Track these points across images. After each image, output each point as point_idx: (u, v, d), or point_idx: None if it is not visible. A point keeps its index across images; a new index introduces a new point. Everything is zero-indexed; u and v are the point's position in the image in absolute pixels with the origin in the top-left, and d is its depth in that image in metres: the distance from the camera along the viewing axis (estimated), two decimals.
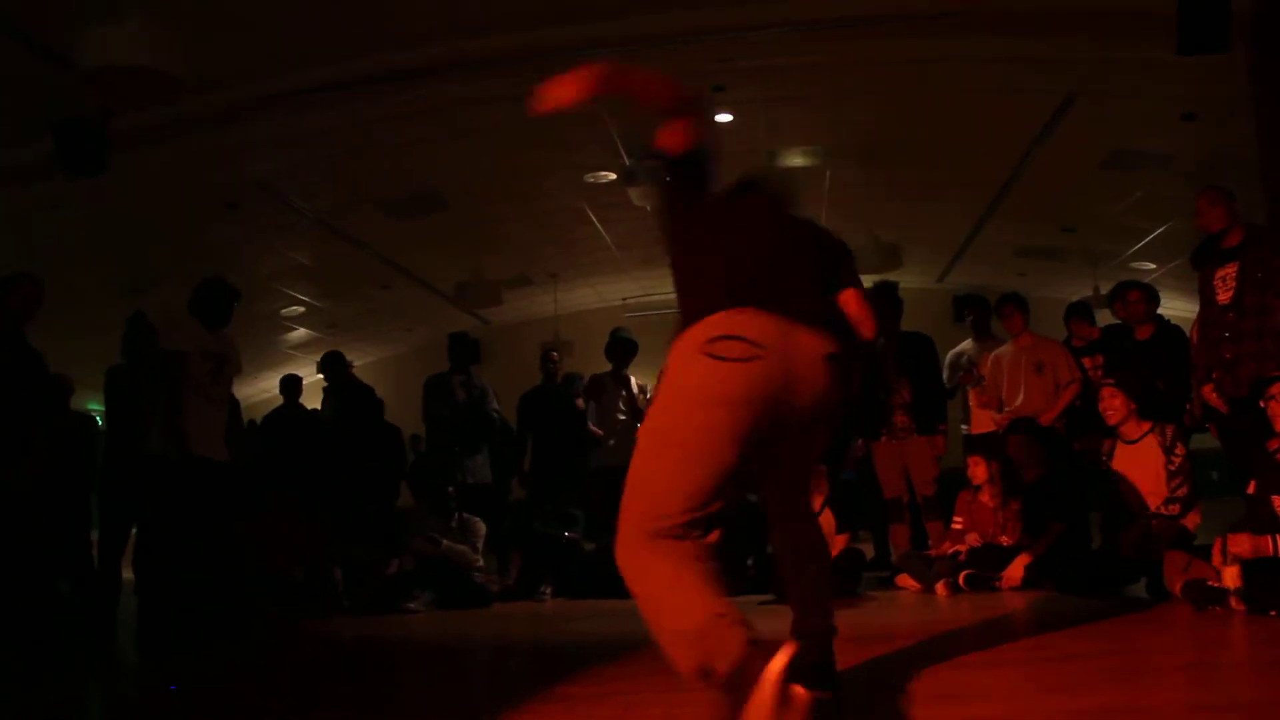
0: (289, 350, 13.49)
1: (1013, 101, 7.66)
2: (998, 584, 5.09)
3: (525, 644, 4.76)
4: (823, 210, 10.31)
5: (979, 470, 5.54)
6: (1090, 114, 7.76)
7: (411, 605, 5.80)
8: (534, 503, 7.15)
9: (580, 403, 7.36)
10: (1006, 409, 6.09)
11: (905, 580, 5.52)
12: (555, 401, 7.38)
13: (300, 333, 13.19)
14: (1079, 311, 6.66)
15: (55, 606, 5.42)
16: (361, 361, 14.78)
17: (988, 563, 5.18)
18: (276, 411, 7.73)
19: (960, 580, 5.14)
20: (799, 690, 2.21)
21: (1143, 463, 4.83)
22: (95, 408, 7.73)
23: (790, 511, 2.51)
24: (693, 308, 2.26)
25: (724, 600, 1.92)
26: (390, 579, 6.09)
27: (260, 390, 13.61)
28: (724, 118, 8.13)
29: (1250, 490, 3.92)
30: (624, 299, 13.57)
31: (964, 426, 7.00)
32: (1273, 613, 3.46)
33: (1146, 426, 4.88)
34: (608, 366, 7.18)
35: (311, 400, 8.18)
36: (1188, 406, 5.43)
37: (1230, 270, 4.58)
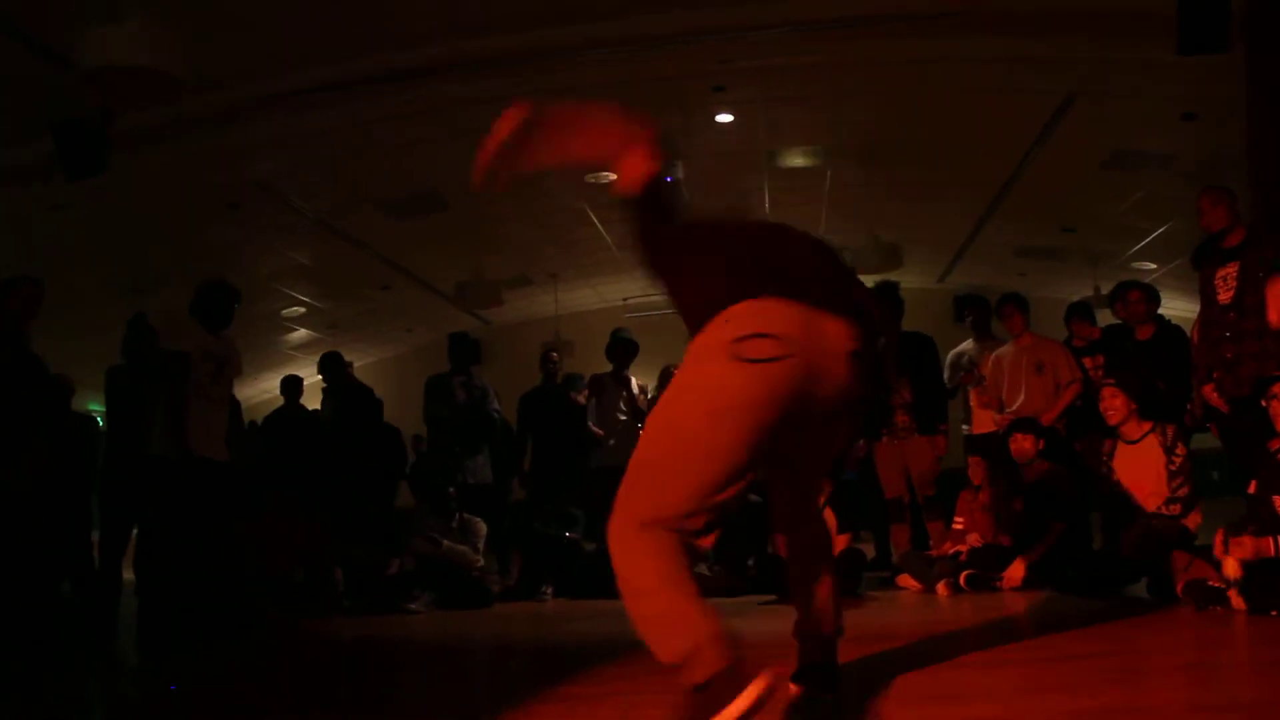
0: (289, 351, 13.49)
1: (1013, 101, 7.66)
2: (998, 584, 5.08)
3: (526, 644, 4.76)
4: (823, 210, 10.32)
5: (980, 470, 5.54)
6: (1090, 114, 7.77)
7: (412, 605, 5.80)
8: (534, 503, 7.15)
9: (583, 397, 7.37)
10: (1007, 410, 6.09)
11: (906, 580, 5.52)
12: (555, 402, 7.38)
13: (301, 333, 13.20)
14: (1079, 311, 6.65)
15: (56, 607, 5.43)
16: (362, 362, 14.78)
17: (988, 563, 5.18)
18: (277, 412, 7.74)
19: (961, 580, 5.13)
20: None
21: (1143, 463, 4.82)
22: (96, 408, 7.73)
23: (802, 511, 2.47)
24: (704, 303, 2.14)
25: (710, 611, 1.91)
26: (391, 579, 6.09)
27: (261, 391, 13.61)
28: (724, 118, 8.14)
29: (1251, 490, 3.92)
30: (624, 299, 13.57)
31: (965, 427, 7.00)
32: (1273, 612, 3.45)
33: (1147, 426, 4.88)
34: (608, 367, 7.18)
35: (312, 401, 8.18)
36: (1188, 406, 5.43)
37: (1231, 270, 4.58)
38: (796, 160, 9.19)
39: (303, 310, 12.32)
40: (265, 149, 7.73)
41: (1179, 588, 3.90)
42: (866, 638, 3.40)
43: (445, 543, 6.07)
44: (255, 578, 5.79)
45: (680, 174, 8.32)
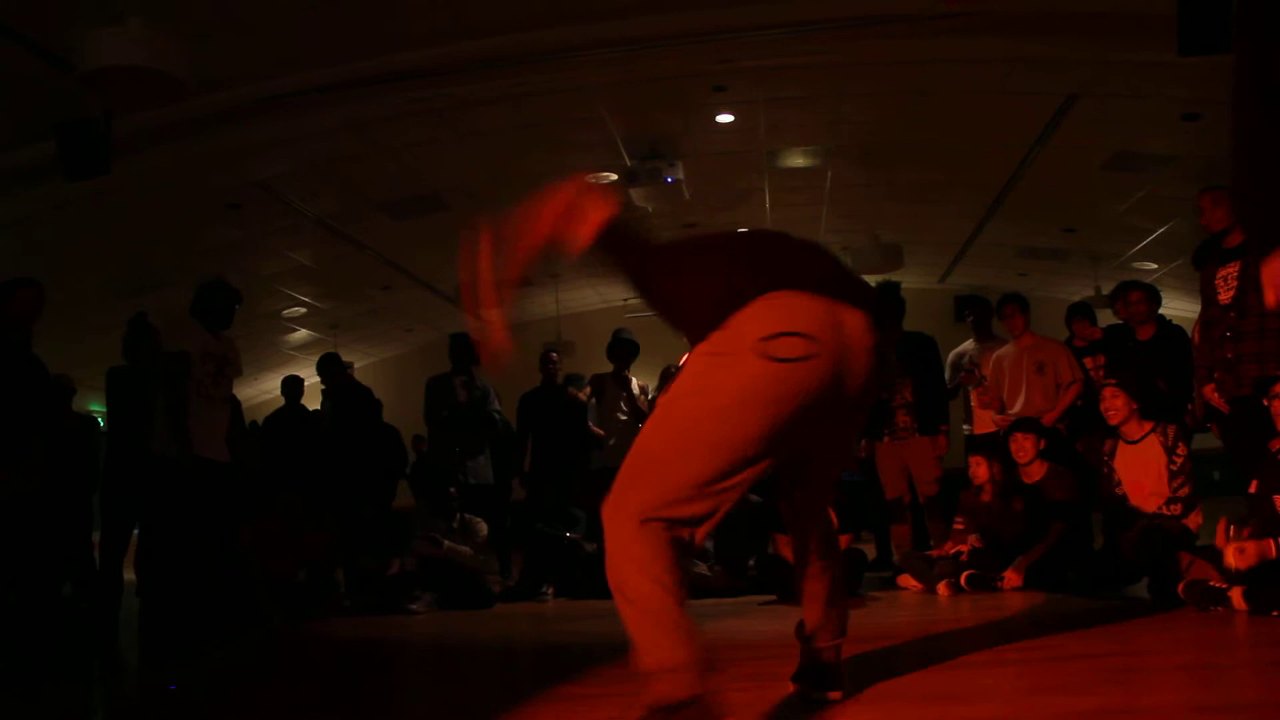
0: (290, 351, 13.50)
1: (1014, 102, 7.66)
2: (999, 584, 5.09)
3: (527, 644, 4.77)
4: (823, 210, 10.33)
5: (980, 470, 5.55)
6: (1092, 114, 7.77)
7: (413, 606, 5.80)
8: (535, 503, 7.15)
9: (585, 393, 7.37)
10: (1008, 410, 6.09)
11: (907, 580, 5.53)
12: (555, 402, 7.38)
13: (302, 333, 13.21)
14: (1080, 311, 6.66)
15: (57, 607, 5.44)
16: (363, 362, 14.80)
17: (989, 563, 5.19)
18: (278, 412, 7.75)
19: (962, 580, 5.14)
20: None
21: (1144, 463, 4.83)
22: (97, 409, 7.74)
23: (814, 508, 2.46)
24: (712, 302, 2.10)
25: (694, 635, 1.94)
26: (392, 580, 6.09)
27: (261, 391, 13.63)
28: (725, 118, 8.14)
29: (1252, 489, 3.92)
30: (625, 299, 13.57)
31: (965, 427, 7.00)
32: (1275, 613, 3.46)
33: (1148, 426, 4.88)
34: (609, 367, 7.18)
35: (313, 402, 8.19)
36: (1189, 407, 5.44)
37: (1232, 270, 4.58)
38: (797, 160, 9.19)
39: (303, 310, 12.32)
40: (266, 150, 7.74)
41: (1180, 588, 3.90)
42: (867, 638, 3.40)
43: (446, 543, 6.08)
44: (258, 579, 5.79)
45: (680, 174, 8.33)
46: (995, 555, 5.22)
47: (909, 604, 5.08)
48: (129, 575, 5.81)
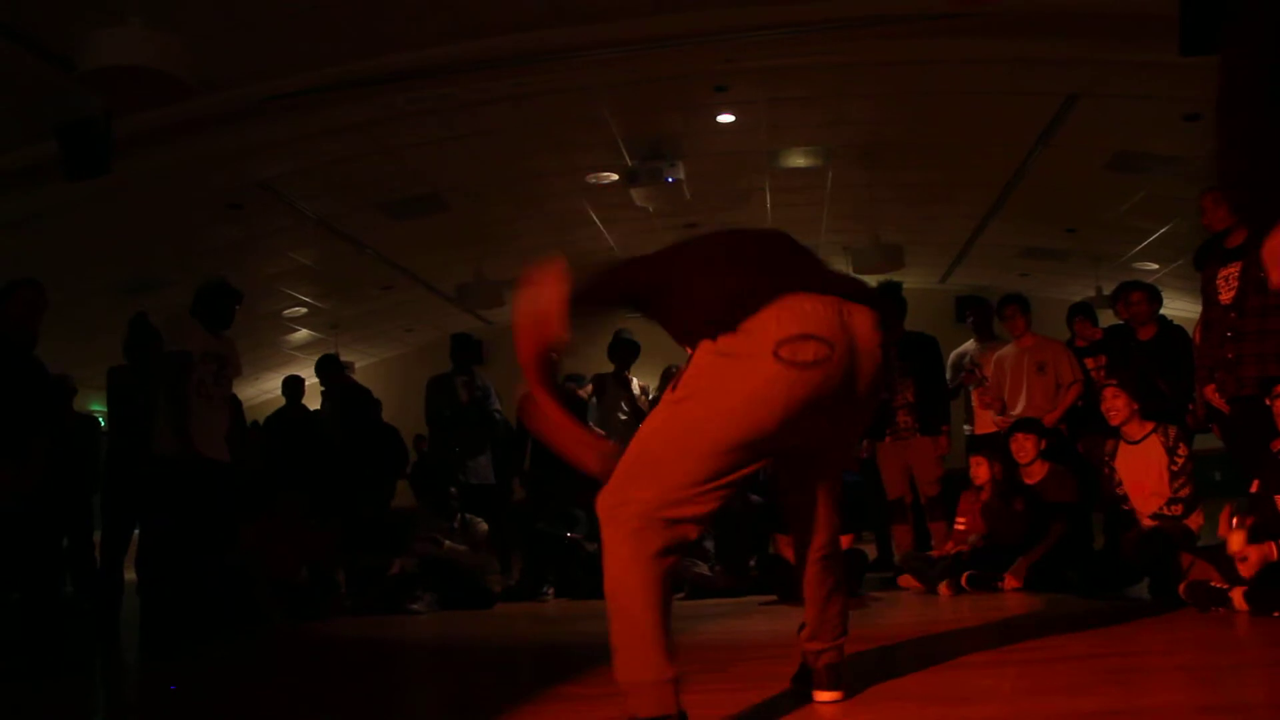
0: (291, 351, 13.51)
1: (1015, 102, 7.66)
2: (1000, 584, 5.09)
3: (528, 644, 4.76)
4: (824, 211, 10.33)
5: (981, 470, 5.54)
6: (1093, 115, 7.76)
7: (414, 606, 5.80)
8: (535, 503, 7.15)
9: (587, 391, 7.37)
10: (1009, 411, 6.09)
11: (908, 580, 5.52)
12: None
13: (302, 333, 13.21)
14: (1081, 312, 6.66)
15: (59, 607, 5.44)
16: (364, 362, 14.80)
17: (990, 563, 5.18)
18: (279, 412, 7.75)
19: (963, 581, 5.14)
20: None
21: (1145, 463, 4.83)
22: (98, 408, 7.75)
23: (818, 507, 2.46)
24: (723, 301, 2.09)
25: (673, 653, 1.98)
26: (393, 580, 6.09)
27: (262, 391, 13.63)
28: (726, 118, 8.14)
29: (1253, 490, 3.92)
30: None
31: (967, 427, 7.00)
32: (1276, 614, 3.45)
33: (1149, 427, 4.88)
34: (610, 367, 7.18)
35: (314, 402, 8.20)
36: (1190, 407, 5.43)
37: (1233, 270, 4.57)
38: (798, 161, 9.18)
39: (304, 310, 12.33)
40: (267, 150, 7.74)
41: (1181, 589, 3.90)
42: (868, 638, 3.40)
43: (447, 543, 6.08)
44: (259, 579, 5.80)
45: (681, 174, 8.33)
46: (996, 555, 5.21)
47: (910, 604, 5.08)
48: (130, 575, 5.82)
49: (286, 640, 5.12)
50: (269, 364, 13.37)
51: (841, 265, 9.77)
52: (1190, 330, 5.49)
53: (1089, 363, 6.21)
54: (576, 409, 7.33)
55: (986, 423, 6.46)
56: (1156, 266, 11.51)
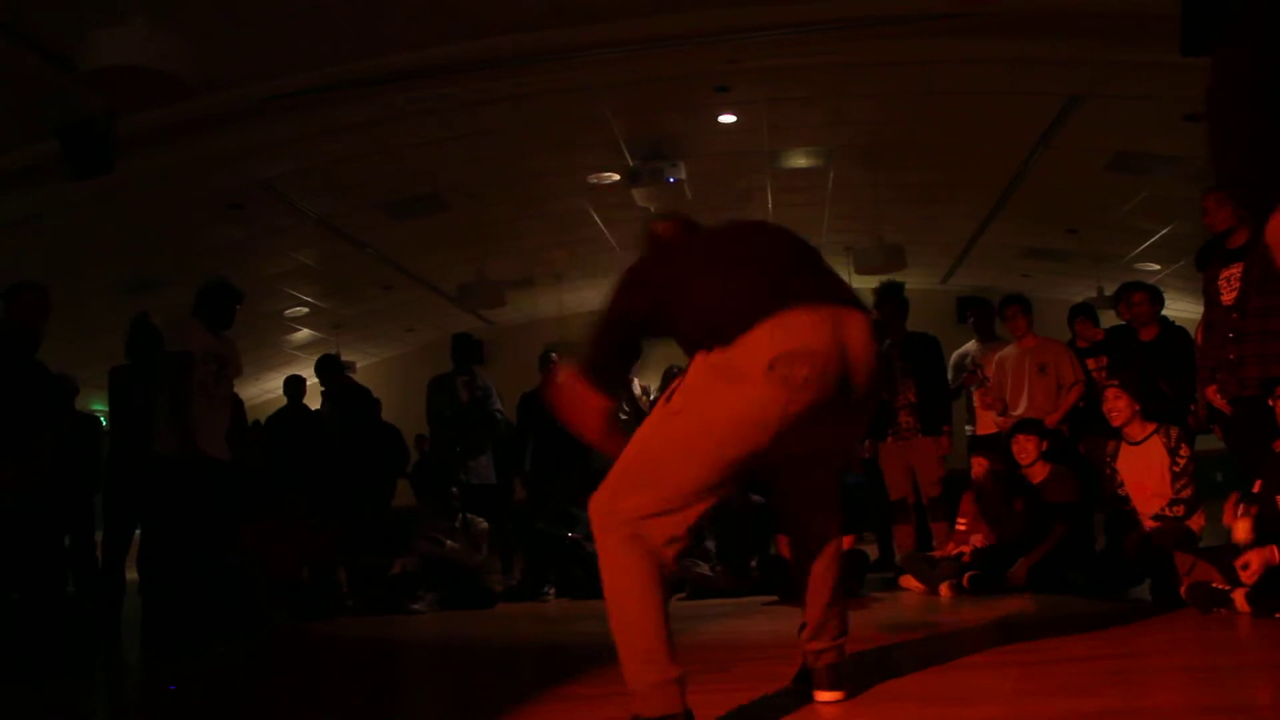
0: (292, 351, 13.51)
1: (1017, 103, 7.66)
2: (1001, 586, 5.07)
3: (529, 644, 4.76)
4: (826, 211, 10.32)
5: (983, 471, 5.53)
6: (1094, 115, 7.76)
7: (416, 606, 5.80)
8: (536, 503, 7.15)
9: None
10: (1010, 413, 6.08)
11: (909, 581, 5.52)
12: None
13: (304, 333, 13.22)
14: (1083, 312, 6.65)
15: (60, 606, 5.44)
16: (365, 362, 14.81)
17: (991, 564, 5.17)
18: (281, 412, 7.76)
19: (964, 581, 5.13)
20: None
21: (1147, 464, 4.82)
22: (100, 408, 7.75)
23: (815, 509, 2.47)
24: (722, 316, 2.11)
25: (674, 653, 2.02)
26: (394, 579, 6.09)
27: (264, 390, 13.64)
28: (728, 118, 8.14)
29: (1255, 490, 3.91)
30: None
31: (968, 427, 7.00)
32: (1278, 615, 3.45)
33: (1151, 428, 4.87)
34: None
35: (315, 402, 8.20)
36: (1192, 408, 5.43)
37: (1235, 271, 4.57)
38: (800, 161, 9.18)
39: (306, 310, 12.33)
40: (269, 150, 7.74)
41: (1183, 590, 3.89)
42: (869, 638, 3.40)
43: (448, 543, 6.08)
44: (260, 579, 5.80)
45: (683, 174, 8.33)
46: (998, 556, 5.21)
47: (911, 605, 5.07)
48: (131, 574, 5.82)
49: (287, 640, 5.12)
50: (270, 364, 13.38)
51: (843, 266, 9.78)
52: (1192, 331, 5.49)
53: (1090, 363, 6.20)
54: None
55: (988, 423, 6.45)
56: (1158, 267, 11.50)
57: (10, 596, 5.07)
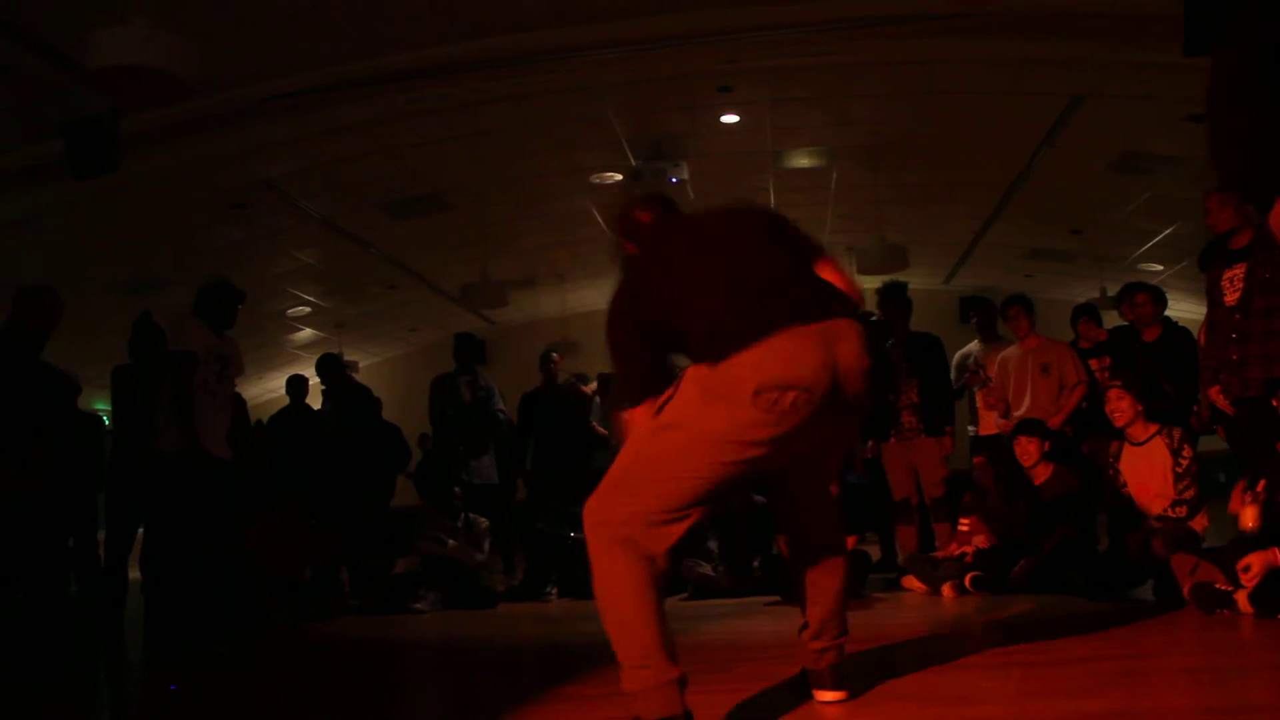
0: (295, 350, 13.52)
1: (1020, 103, 7.65)
2: (1003, 586, 5.07)
3: (531, 644, 4.77)
4: (828, 211, 10.32)
5: (985, 472, 5.52)
6: (1098, 116, 7.75)
7: (418, 605, 5.80)
8: (536, 503, 7.16)
9: (592, 388, 7.36)
10: (1013, 414, 6.07)
11: (911, 582, 5.51)
12: (555, 401, 7.38)
13: (307, 333, 13.23)
14: (1086, 313, 6.64)
15: (63, 606, 5.44)
16: (367, 361, 14.82)
17: (994, 565, 5.16)
18: (283, 411, 7.76)
19: (966, 582, 5.12)
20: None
21: (1150, 465, 4.81)
22: (102, 407, 7.76)
23: (813, 512, 2.47)
24: (710, 333, 2.12)
25: (672, 654, 2.03)
26: (397, 579, 6.10)
27: (267, 390, 13.65)
28: (730, 118, 8.14)
29: (1259, 491, 3.90)
30: None
31: (971, 428, 6.99)
32: None
33: (1154, 428, 4.86)
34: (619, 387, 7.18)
35: (318, 401, 8.21)
36: (1195, 409, 5.42)
37: (1238, 271, 4.56)
38: (802, 161, 9.18)
39: (308, 310, 12.34)
40: (271, 149, 7.74)
41: (1185, 591, 3.89)
42: (871, 639, 3.40)
43: (451, 543, 6.08)
44: (262, 578, 5.80)
45: (686, 174, 8.33)
46: (1000, 557, 5.20)
47: (913, 605, 5.07)
48: (134, 573, 5.82)
49: (289, 639, 5.13)
50: (273, 363, 13.39)
51: (845, 266, 9.76)
52: (1195, 332, 5.48)
53: (1093, 364, 6.19)
54: (581, 407, 7.34)
55: (991, 424, 6.45)
56: (1161, 268, 11.49)
57: (14, 596, 5.07)
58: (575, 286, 12.80)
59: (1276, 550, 3.54)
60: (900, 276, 7.83)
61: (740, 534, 6.00)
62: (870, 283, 7.17)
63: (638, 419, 2.23)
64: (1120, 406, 4.89)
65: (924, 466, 6.16)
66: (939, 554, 5.65)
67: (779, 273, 2.25)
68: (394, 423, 7.69)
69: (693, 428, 2.08)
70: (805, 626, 2.47)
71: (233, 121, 6.89)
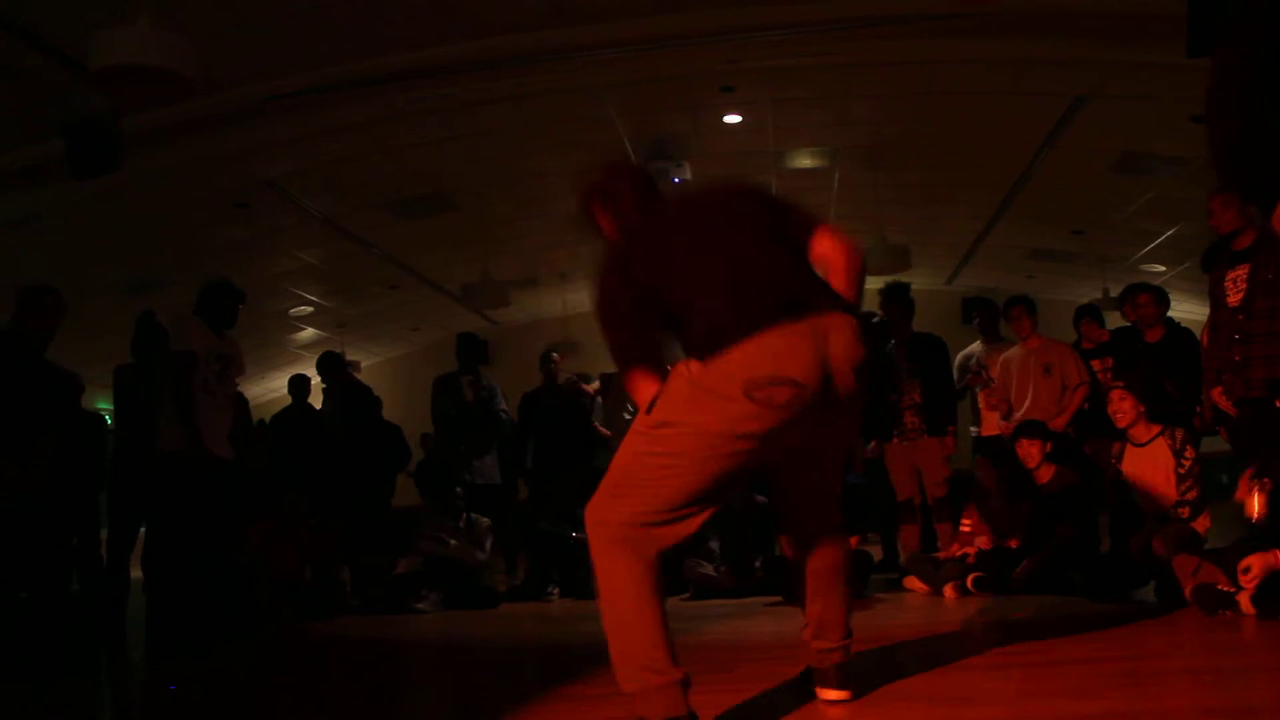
0: (297, 350, 13.53)
1: (1022, 103, 7.64)
2: (1005, 587, 5.06)
3: (533, 644, 4.76)
4: (831, 211, 10.31)
5: (988, 473, 5.52)
6: (1100, 116, 7.74)
7: (419, 605, 5.80)
8: (537, 502, 7.15)
9: (594, 387, 7.36)
10: (1015, 414, 6.07)
11: (913, 582, 5.50)
12: (556, 401, 7.38)
13: (309, 332, 13.23)
14: (1088, 314, 6.63)
15: (65, 605, 5.44)
16: (370, 361, 14.82)
17: (996, 566, 5.16)
18: (285, 411, 7.76)
19: (968, 583, 5.12)
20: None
21: (1153, 466, 4.81)
22: (104, 406, 7.76)
23: (813, 512, 2.46)
24: (705, 328, 2.13)
25: (673, 654, 2.04)
26: (398, 579, 6.10)
27: (269, 390, 13.66)
28: (733, 118, 8.14)
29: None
30: None
31: (973, 429, 6.98)
32: None
33: (1156, 429, 4.86)
34: (615, 367, 7.18)
35: (319, 401, 8.21)
36: (1198, 410, 5.41)
37: (1241, 272, 4.56)
38: (805, 161, 9.18)
39: (311, 310, 12.34)
40: (273, 149, 7.75)
41: (1188, 592, 3.88)
42: (873, 639, 3.39)
43: (452, 543, 6.08)
44: (263, 578, 5.80)
45: (688, 175, 8.33)
46: (1002, 558, 5.19)
47: (915, 606, 5.06)
48: (136, 573, 5.82)
49: (290, 639, 5.13)
50: (275, 363, 13.40)
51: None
52: (1198, 332, 5.47)
53: (1096, 365, 6.19)
54: (582, 406, 7.33)
55: (993, 424, 6.44)
56: (1164, 268, 11.48)
57: (16, 596, 5.07)
58: (577, 286, 12.78)
59: (1277, 552, 3.54)
60: (902, 277, 7.82)
61: (742, 534, 6.00)
62: (872, 283, 7.16)
63: (641, 393, 2.24)
64: (1122, 407, 4.89)
65: (926, 467, 6.16)
66: (941, 554, 5.65)
67: (779, 273, 2.24)
68: (396, 422, 7.69)
69: (685, 424, 2.08)
70: (806, 625, 2.46)
71: (234, 121, 6.89)
